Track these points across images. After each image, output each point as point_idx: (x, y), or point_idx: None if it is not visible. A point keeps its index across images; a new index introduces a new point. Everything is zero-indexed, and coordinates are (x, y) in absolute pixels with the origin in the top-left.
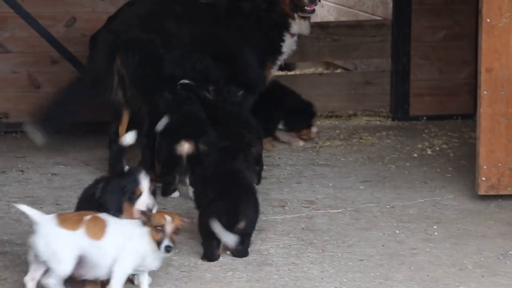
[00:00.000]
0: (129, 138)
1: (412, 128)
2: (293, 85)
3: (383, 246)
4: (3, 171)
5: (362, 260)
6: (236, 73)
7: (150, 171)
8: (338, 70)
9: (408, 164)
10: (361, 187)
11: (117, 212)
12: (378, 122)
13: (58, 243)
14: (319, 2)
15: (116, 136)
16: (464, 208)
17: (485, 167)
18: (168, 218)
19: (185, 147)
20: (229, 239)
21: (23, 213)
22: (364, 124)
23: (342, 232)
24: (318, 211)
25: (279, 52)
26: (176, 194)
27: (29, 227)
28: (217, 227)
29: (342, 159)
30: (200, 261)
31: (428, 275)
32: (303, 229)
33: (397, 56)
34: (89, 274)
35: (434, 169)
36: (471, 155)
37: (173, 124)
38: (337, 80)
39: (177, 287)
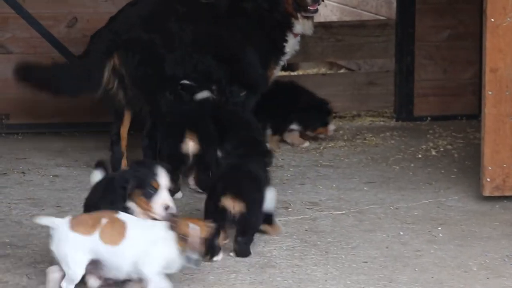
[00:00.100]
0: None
1: (417, 129)
2: None
3: (387, 248)
4: (4, 173)
5: (366, 262)
6: (238, 73)
7: None
8: (342, 71)
9: (412, 165)
10: (365, 188)
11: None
12: (382, 123)
13: (69, 248)
14: (322, 2)
15: (118, 137)
16: (469, 209)
17: (490, 168)
18: (195, 228)
19: (190, 146)
20: None
21: (24, 215)
22: (368, 124)
23: (346, 233)
24: (321, 212)
25: (281, 52)
26: (179, 194)
27: (30, 230)
28: None
29: (346, 160)
30: (202, 263)
31: (432, 277)
32: (306, 230)
33: (401, 56)
34: (109, 275)
35: (439, 170)
36: (476, 156)
37: (177, 123)
38: (341, 80)
39: None
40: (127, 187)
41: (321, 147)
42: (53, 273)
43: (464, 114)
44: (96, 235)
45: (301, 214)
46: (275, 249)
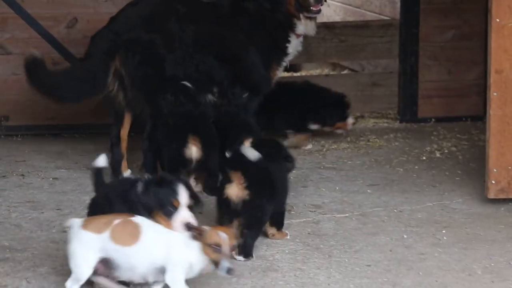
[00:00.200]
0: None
1: (421, 130)
2: None
3: (390, 251)
4: (4, 176)
5: (369, 265)
6: (241, 74)
7: (151, 174)
8: (345, 71)
9: (416, 167)
10: (368, 191)
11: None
12: (385, 124)
13: (79, 246)
14: (325, 2)
15: (118, 139)
16: (473, 212)
17: (495, 170)
18: (224, 236)
19: (193, 151)
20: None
21: (23, 218)
22: (371, 126)
23: (349, 237)
24: (324, 215)
25: (284, 53)
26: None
27: (29, 233)
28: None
29: (349, 162)
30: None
31: (436, 281)
32: (309, 234)
33: (405, 57)
34: (124, 276)
35: (443, 172)
36: (480, 158)
37: (179, 126)
38: (344, 81)
39: None
40: (147, 205)
41: (324, 149)
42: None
43: (468, 116)
44: (106, 234)
45: (303, 217)
46: (277, 252)
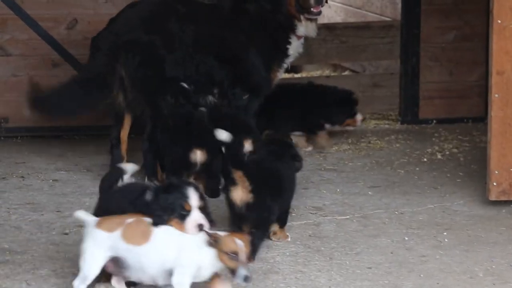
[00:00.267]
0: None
1: (422, 132)
2: None
3: (391, 253)
4: (3, 177)
5: (370, 268)
6: (241, 76)
7: (151, 176)
8: (346, 72)
9: (417, 169)
10: (369, 192)
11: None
12: (387, 126)
13: (90, 244)
14: (326, 3)
15: (118, 140)
16: (474, 214)
17: (496, 172)
18: (240, 243)
19: (198, 155)
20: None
21: (23, 220)
22: (372, 127)
23: (350, 239)
24: (325, 217)
25: (285, 54)
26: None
27: (29, 235)
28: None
29: (350, 164)
30: None
31: (438, 283)
32: (310, 236)
33: (406, 58)
34: (133, 276)
35: (444, 174)
36: (482, 159)
37: (182, 129)
38: (345, 82)
39: None
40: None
41: (325, 151)
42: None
43: (470, 117)
44: (117, 233)
45: (304, 219)
46: (278, 255)
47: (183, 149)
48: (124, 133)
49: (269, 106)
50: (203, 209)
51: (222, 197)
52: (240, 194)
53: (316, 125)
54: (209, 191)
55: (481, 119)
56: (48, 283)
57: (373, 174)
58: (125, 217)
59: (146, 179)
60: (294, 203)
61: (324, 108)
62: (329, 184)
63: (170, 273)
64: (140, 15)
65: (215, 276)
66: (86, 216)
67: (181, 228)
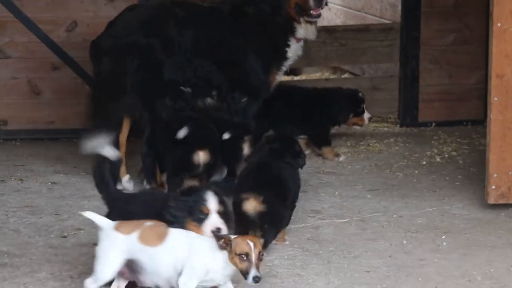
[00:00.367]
0: None
1: (421, 135)
2: None
3: (390, 257)
4: (2, 180)
5: (368, 271)
6: (240, 79)
7: (151, 179)
8: (345, 75)
9: (416, 172)
10: (368, 196)
11: None
12: (386, 129)
13: (107, 246)
14: (325, 6)
15: (116, 144)
16: (473, 218)
17: (495, 175)
18: (251, 244)
19: (201, 156)
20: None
21: (22, 223)
22: (371, 130)
23: (348, 242)
24: (323, 220)
25: (284, 57)
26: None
27: (28, 238)
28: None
29: (349, 167)
30: None
31: (436, 287)
32: (308, 239)
33: (406, 61)
34: (149, 281)
35: (443, 177)
36: (481, 163)
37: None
38: (344, 85)
39: None
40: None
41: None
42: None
43: (469, 120)
44: (134, 235)
45: (303, 222)
46: (276, 258)
47: (185, 150)
48: (123, 137)
49: (273, 110)
50: (223, 213)
51: None
52: (253, 204)
53: (322, 138)
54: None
55: (481, 122)
56: (46, 286)
57: (372, 177)
58: (143, 220)
59: (145, 182)
60: None
61: (329, 108)
62: (328, 187)
63: (178, 272)
64: (139, 18)
65: None
66: (99, 218)
67: (199, 231)
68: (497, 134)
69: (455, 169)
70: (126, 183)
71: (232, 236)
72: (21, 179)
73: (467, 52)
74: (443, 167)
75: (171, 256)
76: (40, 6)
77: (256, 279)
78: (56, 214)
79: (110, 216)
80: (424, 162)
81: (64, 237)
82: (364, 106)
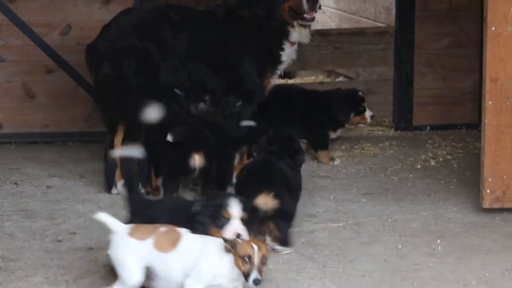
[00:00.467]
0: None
1: (416, 138)
2: None
3: (385, 261)
4: None
5: (363, 276)
6: (234, 83)
7: (146, 183)
8: (340, 78)
9: (411, 175)
10: (363, 199)
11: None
12: (380, 132)
13: (125, 252)
14: (319, 9)
15: (112, 147)
16: (468, 222)
17: (490, 179)
18: (255, 247)
19: (196, 160)
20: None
21: (17, 227)
22: (366, 134)
23: (344, 246)
24: (318, 225)
25: (278, 61)
26: None
27: (23, 242)
28: None
29: (344, 170)
30: None
31: None
32: (303, 243)
33: (400, 64)
34: (161, 286)
35: (438, 181)
36: (475, 166)
37: (182, 134)
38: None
39: None
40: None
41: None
42: None
43: (464, 123)
44: (150, 241)
45: (298, 227)
46: (271, 262)
47: (181, 154)
48: (118, 140)
49: (272, 112)
50: (246, 220)
51: None
52: (265, 200)
53: (320, 141)
54: (206, 196)
55: (475, 125)
56: None
57: (367, 181)
58: (157, 225)
59: (140, 186)
60: None
61: (328, 109)
62: (323, 191)
63: (187, 276)
64: (134, 22)
65: None
66: (112, 221)
67: (220, 236)
68: (492, 138)
69: (449, 173)
70: (121, 187)
71: (240, 240)
72: (16, 183)
73: (461, 56)
74: (437, 171)
75: (181, 261)
76: (35, 9)
77: (256, 281)
78: (51, 218)
79: (133, 221)
80: (418, 166)
81: (59, 241)
82: (365, 104)
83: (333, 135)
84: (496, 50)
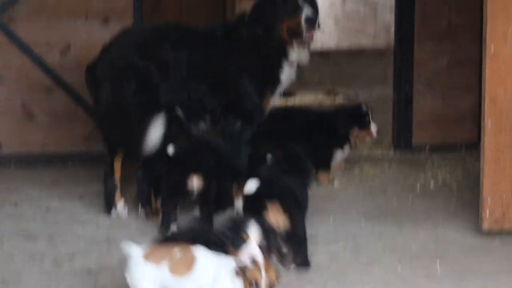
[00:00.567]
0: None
1: (415, 159)
2: None
3: (384, 283)
4: None
5: None
6: (233, 102)
7: (145, 204)
8: (339, 96)
9: (410, 197)
10: (362, 221)
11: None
12: (380, 152)
13: (140, 276)
14: (318, 29)
15: (111, 169)
16: (467, 244)
17: (489, 199)
18: (263, 272)
19: (195, 182)
20: None
21: (16, 249)
22: (365, 154)
23: (343, 268)
24: (318, 246)
25: (277, 81)
26: (174, 229)
27: (22, 264)
28: None
29: (343, 191)
30: None
31: None
32: None
33: (400, 84)
34: None
35: (437, 202)
36: (475, 187)
37: (182, 155)
38: None
39: None
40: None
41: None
42: None
43: (463, 143)
44: (165, 265)
45: None
46: None
47: (179, 175)
48: (118, 162)
49: (276, 131)
50: (265, 244)
51: None
52: (277, 217)
53: (323, 160)
54: (204, 218)
55: (475, 145)
56: None
57: (366, 202)
58: (171, 247)
59: (139, 207)
60: None
61: (331, 126)
62: (322, 212)
63: None
64: (133, 41)
65: None
66: (129, 246)
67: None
68: (491, 157)
69: (449, 194)
70: (121, 208)
71: (250, 264)
72: (15, 204)
73: (461, 74)
74: (437, 192)
75: (197, 284)
76: (34, 28)
77: None
78: (50, 240)
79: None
80: (418, 187)
81: (58, 263)
82: (370, 118)
83: (340, 154)
84: (495, 69)
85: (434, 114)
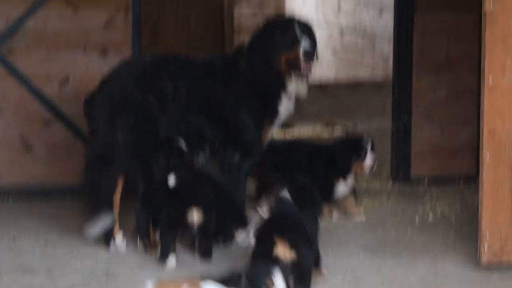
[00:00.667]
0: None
1: (414, 191)
2: None
3: None
4: None
5: None
6: (232, 134)
7: (144, 236)
8: (337, 127)
9: (409, 230)
10: (361, 253)
11: None
12: (378, 184)
13: None
14: (316, 61)
15: (110, 203)
16: (466, 278)
17: (488, 232)
18: None
19: (195, 216)
20: None
21: (15, 283)
22: (364, 187)
23: None
24: (316, 279)
25: (276, 113)
26: (173, 261)
27: None
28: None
29: (342, 224)
30: None
31: None
32: None
33: (398, 116)
34: None
35: (436, 235)
36: (473, 221)
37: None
38: None
39: None
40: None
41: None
42: None
43: (462, 175)
44: None
45: None
46: None
47: (179, 208)
48: (117, 196)
49: (279, 164)
50: None
51: None
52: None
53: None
54: (202, 252)
55: (474, 177)
56: None
57: (365, 235)
58: (180, 283)
59: (138, 240)
60: None
61: (330, 158)
62: (321, 245)
63: None
64: (132, 73)
65: None
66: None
67: None
68: (489, 190)
69: (447, 227)
70: (120, 241)
71: None
72: (13, 238)
73: (459, 106)
74: (435, 224)
75: None
76: (33, 60)
77: None
78: (49, 274)
79: None
80: (417, 220)
81: None
82: (368, 150)
83: (343, 185)
84: (493, 102)
85: (433, 145)
